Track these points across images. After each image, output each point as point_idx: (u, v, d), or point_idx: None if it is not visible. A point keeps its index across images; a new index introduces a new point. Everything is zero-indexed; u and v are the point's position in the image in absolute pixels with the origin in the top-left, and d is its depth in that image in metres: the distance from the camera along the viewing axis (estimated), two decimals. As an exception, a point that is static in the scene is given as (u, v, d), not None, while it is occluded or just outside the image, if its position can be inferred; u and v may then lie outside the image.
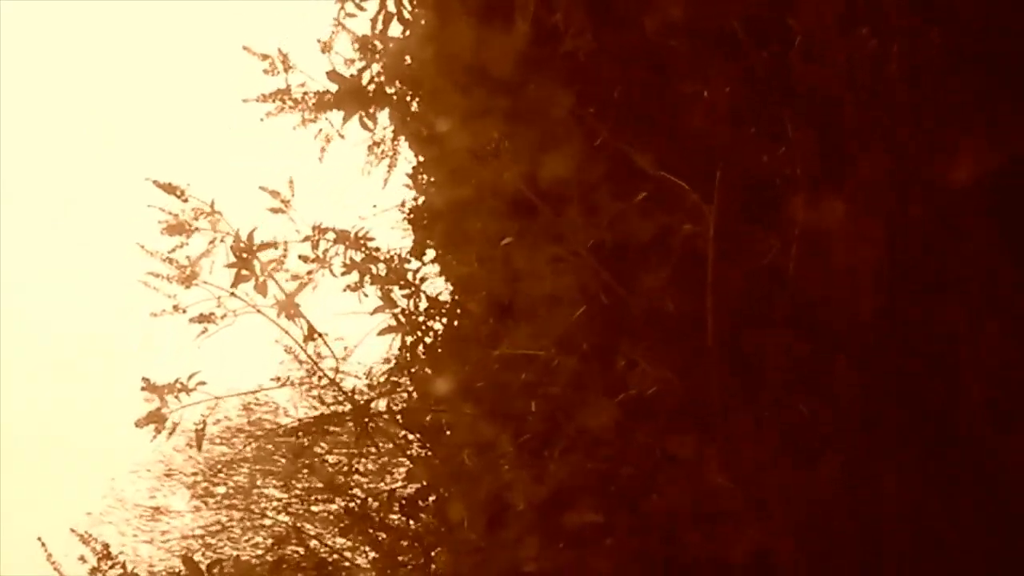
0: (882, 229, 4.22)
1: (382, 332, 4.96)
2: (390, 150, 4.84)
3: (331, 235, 4.81)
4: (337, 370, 4.89)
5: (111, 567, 4.86)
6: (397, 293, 4.90)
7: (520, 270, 4.56)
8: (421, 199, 5.20)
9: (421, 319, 4.92)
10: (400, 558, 4.90)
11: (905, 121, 4.21)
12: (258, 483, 7.15)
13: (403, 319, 4.91)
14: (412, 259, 4.97)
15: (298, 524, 6.21)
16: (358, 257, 4.85)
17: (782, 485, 4.63)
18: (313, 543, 5.05)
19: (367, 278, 4.86)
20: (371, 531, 5.01)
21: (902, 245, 4.30)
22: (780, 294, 4.34)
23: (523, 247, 4.51)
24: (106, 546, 4.81)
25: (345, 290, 4.87)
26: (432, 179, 5.04)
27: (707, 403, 4.56)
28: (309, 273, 4.75)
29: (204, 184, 4.75)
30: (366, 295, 4.89)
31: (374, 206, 5.06)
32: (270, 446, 5.20)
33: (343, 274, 4.85)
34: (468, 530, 4.95)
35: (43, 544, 4.84)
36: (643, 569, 4.99)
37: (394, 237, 5.14)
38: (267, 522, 7.19)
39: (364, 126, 4.70)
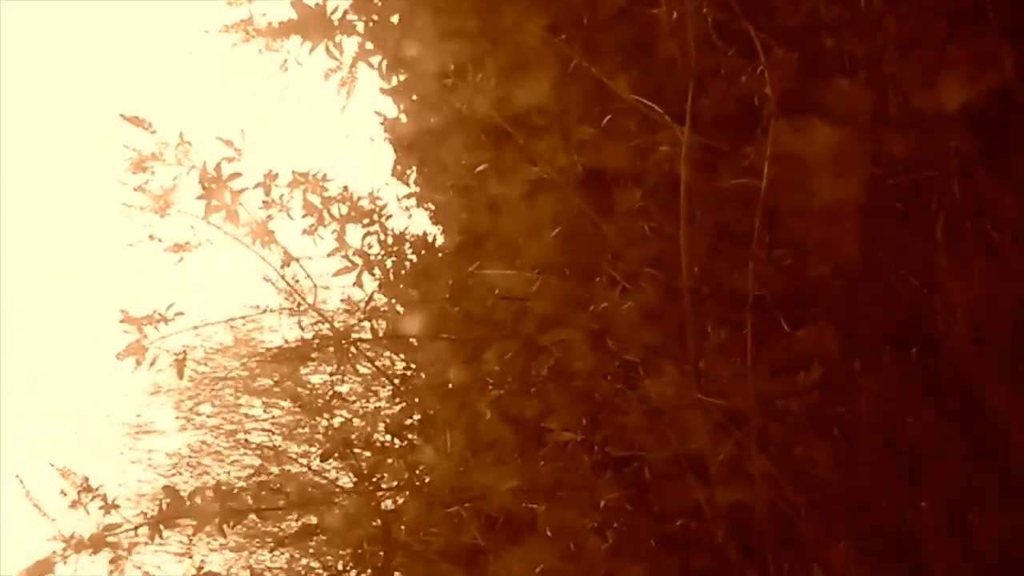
0: (866, 159, 4.23)
1: (336, 273, 4.96)
2: (349, 77, 4.80)
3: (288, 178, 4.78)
4: (315, 295, 4.90)
5: (91, 500, 4.89)
6: (358, 232, 4.89)
7: (495, 197, 4.58)
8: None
9: (381, 255, 4.92)
10: (382, 483, 4.96)
11: (889, 47, 4.20)
12: (242, 401, 7.20)
13: (359, 258, 4.91)
14: (381, 198, 4.95)
15: (281, 445, 6.27)
16: (316, 200, 4.84)
17: (759, 393, 4.69)
18: (296, 467, 5.09)
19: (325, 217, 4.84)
20: (353, 452, 5.06)
21: (886, 178, 4.33)
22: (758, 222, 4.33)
23: (497, 174, 4.52)
24: (85, 479, 4.84)
25: (303, 233, 4.87)
26: (402, 106, 5.02)
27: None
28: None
29: (177, 121, 4.72)
30: (321, 238, 4.90)
31: (347, 136, 5.03)
32: (255, 365, 5.21)
33: (303, 216, 4.85)
34: (452, 449, 5.02)
35: (21, 481, 4.86)
36: (619, 478, 5.09)
37: (365, 173, 5.11)
38: (252, 441, 7.25)
39: (330, 54, 4.66)
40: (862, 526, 4.75)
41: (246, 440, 7.24)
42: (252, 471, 6.72)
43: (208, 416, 7.52)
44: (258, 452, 6.96)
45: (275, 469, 6.12)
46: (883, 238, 4.56)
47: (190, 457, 7.65)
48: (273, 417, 6.48)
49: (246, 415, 7.26)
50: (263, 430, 7.05)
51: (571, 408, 4.79)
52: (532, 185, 4.54)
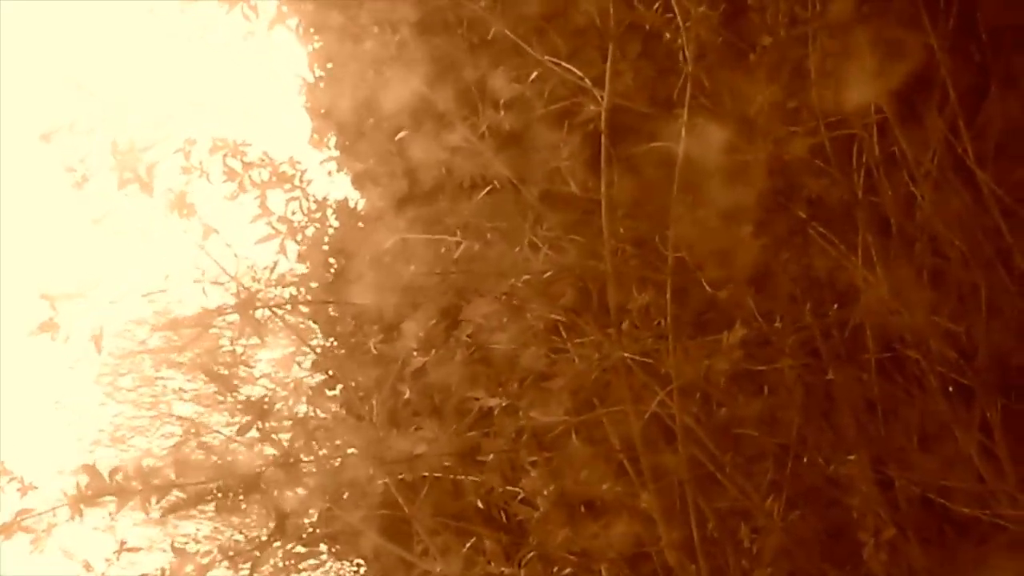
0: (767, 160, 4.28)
1: (259, 241, 4.89)
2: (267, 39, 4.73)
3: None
4: (238, 265, 4.82)
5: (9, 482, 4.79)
6: (281, 197, 4.82)
7: (416, 161, 4.55)
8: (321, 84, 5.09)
9: (304, 223, 4.86)
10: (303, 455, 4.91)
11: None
12: (162, 374, 7.10)
13: (282, 225, 4.85)
14: (301, 162, 4.88)
15: (202, 418, 6.20)
16: (237, 165, 4.76)
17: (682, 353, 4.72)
18: (217, 440, 5.03)
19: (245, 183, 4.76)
20: (272, 425, 5.00)
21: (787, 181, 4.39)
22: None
23: (417, 139, 4.49)
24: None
25: (225, 199, 4.78)
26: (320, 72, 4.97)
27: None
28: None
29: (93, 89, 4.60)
30: (242, 204, 4.82)
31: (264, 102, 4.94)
32: (173, 336, 5.10)
33: (224, 183, 4.77)
34: (371, 419, 4.99)
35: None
36: (543, 444, 5.09)
37: (284, 139, 5.04)
38: (176, 413, 7.16)
39: (246, 17, 4.59)
40: (788, 481, 4.81)
41: (169, 412, 7.16)
42: (176, 441, 6.65)
43: (128, 390, 7.42)
44: (180, 424, 6.88)
45: (202, 439, 6.07)
46: (803, 196, 4.61)
47: (113, 431, 7.55)
48: (196, 389, 6.40)
49: (167, 388, 7.17)
50: (186, 400, 6.98)
51: (495, 374, 4.79)
52: (452, 150, 4.52)
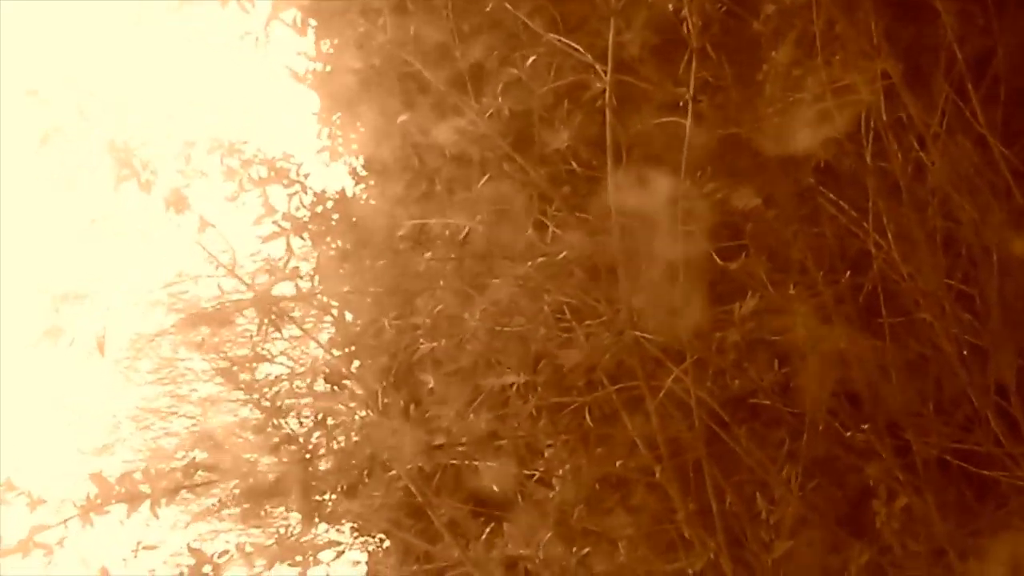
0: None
1: (266, 239, 4.84)
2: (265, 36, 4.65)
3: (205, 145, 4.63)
4: (233, 257, 4.76)
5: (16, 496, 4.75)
6: (282, 193, 4.75)
7: (417, 145, 4.49)
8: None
9: (307, 218, 4.80)
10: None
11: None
12: (180, 355, 7.02)
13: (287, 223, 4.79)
14: (294, 155, 4.81)
15: (222, 395, 6.13)
16: (236, 163, 4.70)
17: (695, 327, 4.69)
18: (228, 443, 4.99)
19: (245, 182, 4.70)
20: (285, 421, 4.96)
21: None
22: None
23: (417, 122, 4.43)
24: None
25: (227, 200, 4.72)
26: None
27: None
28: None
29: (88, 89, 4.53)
30: (244, 203, 4.76)
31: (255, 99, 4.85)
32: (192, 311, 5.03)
33: (224, 183, 4.70)
34: (385, 406, 4.95)
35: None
36: (558, 422, 5.06)
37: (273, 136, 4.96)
38: (195, 394, 7.10)
39: (242, 7, 4.51)
40: (804, 451, 4.80)
41: (189, 394, 7.11)
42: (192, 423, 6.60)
43: (148, 372, 7.35)
44: (200, 406, 6.82)
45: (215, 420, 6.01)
46: (812, 163, 4.58)
47: (135, 415, 7.47)
48: (215, 369, 6.30)
49: (186, 369, 7.12)
50: (205, 381, 6.92)
51: (507, 356, 4.75)
52: (457, 133, 4.46)
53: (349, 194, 4.94)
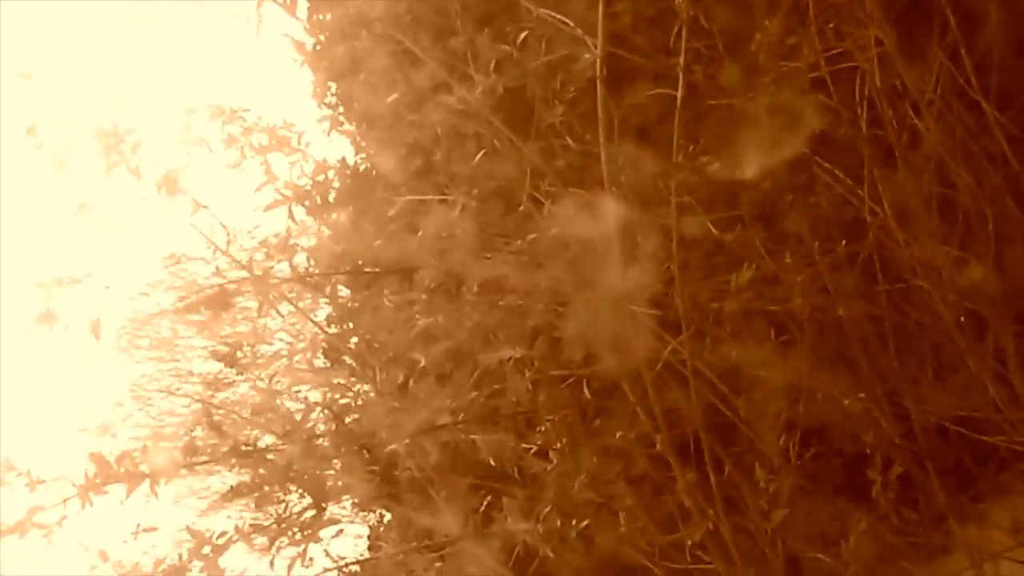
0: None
1: (267, 208, 4.81)
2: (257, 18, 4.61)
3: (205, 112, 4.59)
4: (228, 239, 4.74)
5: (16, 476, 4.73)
6: (283, 161, 4.72)
7: (414, 123, 4.46)
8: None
9: (308, 186, 4.77)
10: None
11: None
12: (180, 332, 6.97)
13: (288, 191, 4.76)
14: (295, 124, 4.77)
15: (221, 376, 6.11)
16: (236, 130, 4.66)
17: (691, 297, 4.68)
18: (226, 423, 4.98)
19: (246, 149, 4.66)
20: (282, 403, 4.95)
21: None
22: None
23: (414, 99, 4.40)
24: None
25: (229, 168, 4.68)
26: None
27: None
28: None
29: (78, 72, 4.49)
30: (245, 171, 4.72)
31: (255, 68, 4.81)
32: (189, 292, 5.00)
33: (226, 151, 4.66)
34: (382, 386, 4.93)
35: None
36: (557, 394, 5.05)
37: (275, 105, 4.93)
38: (194, 374, 7.06)
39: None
40: (801, 420, 4.79)
41: (189, 372, 7.08)
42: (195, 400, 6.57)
43: (147, 349, 7.31)
44: (201, 381, 6.80)
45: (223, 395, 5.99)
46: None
47: (136, 393, 7.44)
48: (213, 344, 6.27)
49: (188, 344, 7.08)
50: (205, 360, 6.89)
51: (505, 330, 4.73)
52: (449, 110, 4.43)
53: (350, 163, 4.93)
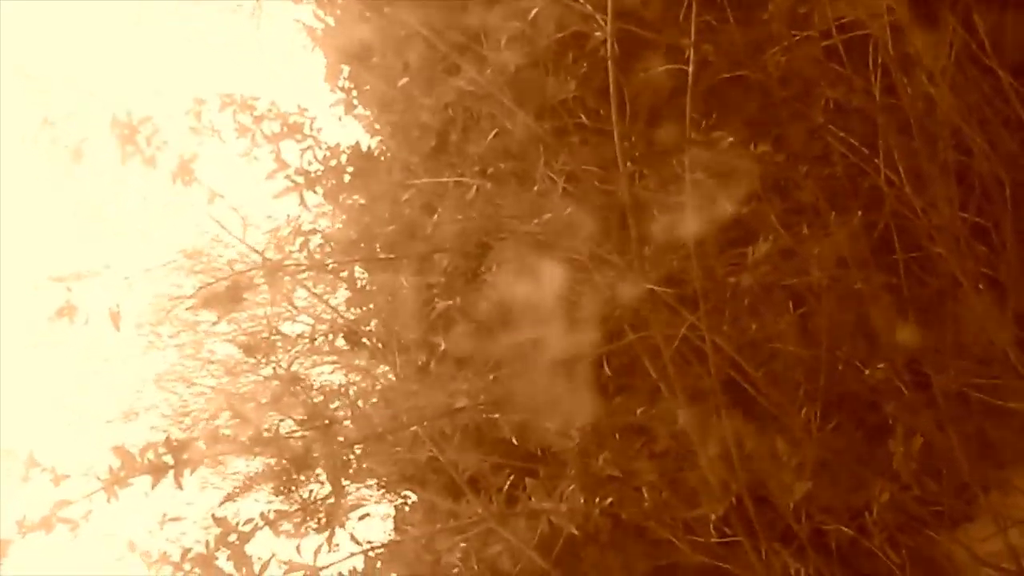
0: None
1: (277, 195, 4.80)
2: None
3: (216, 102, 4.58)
4: (244, 228, 4.74)
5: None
6: (294, 149, 4.71)
7: (425, 105, 4.45)
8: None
9: (320, 171, 4.75)
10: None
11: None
12: (200, 317, 6.99)
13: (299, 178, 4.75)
14: (308, 109, 4.76)
15: (240, 367, 6.13)
16: (247, 119, 4.65)
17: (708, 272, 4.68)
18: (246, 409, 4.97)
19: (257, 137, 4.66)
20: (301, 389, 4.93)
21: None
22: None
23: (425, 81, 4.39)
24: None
25: (240, 156, 4.67)
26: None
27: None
28: None
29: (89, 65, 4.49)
30: (256, 159, 4.72)
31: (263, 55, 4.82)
32: (210, 280, 5.00)
33: (237, 140, 4.65)
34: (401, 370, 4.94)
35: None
36: (573, 385, 5.05)
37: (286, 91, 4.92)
38: (218, 357, 7.09)
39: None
40: (822, 391, 4.78)
41: (211, 359, 7.10)
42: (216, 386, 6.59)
43: (169, 336, 7.34)
44: (223, 366, 6.81)
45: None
46: (821, 101, 4.54)
47: (157, 380, 7.46)
48: (235, 331, 6.28)
49: (208, 331, 7.10)
50: (227, 343, 6.91)
51: (524, 311, 4.72)
52: (459, 92, 4.42)
53: (364, 148, 4.92)
